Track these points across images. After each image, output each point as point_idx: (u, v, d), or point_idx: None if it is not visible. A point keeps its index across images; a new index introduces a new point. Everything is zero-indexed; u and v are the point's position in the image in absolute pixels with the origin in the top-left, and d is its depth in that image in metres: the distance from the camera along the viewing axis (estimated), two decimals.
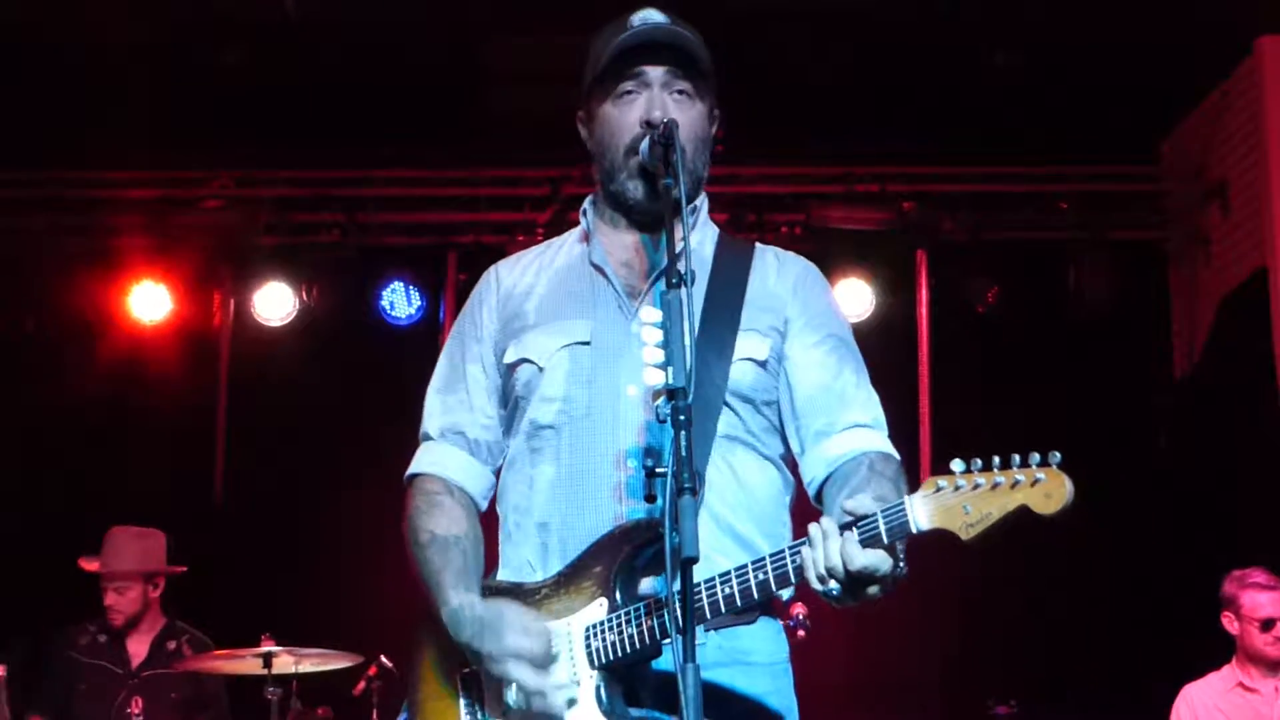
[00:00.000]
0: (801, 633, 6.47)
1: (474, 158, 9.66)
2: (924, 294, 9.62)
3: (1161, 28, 8.39)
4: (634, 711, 3.36)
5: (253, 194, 9.69)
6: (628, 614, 3.34)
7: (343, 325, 9.58)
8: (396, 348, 9.65)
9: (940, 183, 9.70)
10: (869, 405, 3.65)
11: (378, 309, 9.55)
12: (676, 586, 2.98)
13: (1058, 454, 3.07)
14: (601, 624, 3.37)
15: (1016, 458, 3.09)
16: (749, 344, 3.58)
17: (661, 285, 3.21)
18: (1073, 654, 9.35)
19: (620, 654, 3.33)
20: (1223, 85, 9.17)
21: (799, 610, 5.83)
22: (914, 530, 3.07)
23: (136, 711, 7.68)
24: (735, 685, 3.47)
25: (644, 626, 3.30)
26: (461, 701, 3.57)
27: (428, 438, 3.89)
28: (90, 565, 7.98)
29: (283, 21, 8.33)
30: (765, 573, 3.20)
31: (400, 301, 9.56)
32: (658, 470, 3.08)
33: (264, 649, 7.15)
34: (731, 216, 9.31)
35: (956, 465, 3.07)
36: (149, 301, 9.47)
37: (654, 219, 3.58)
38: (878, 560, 3.08)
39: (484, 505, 3.80)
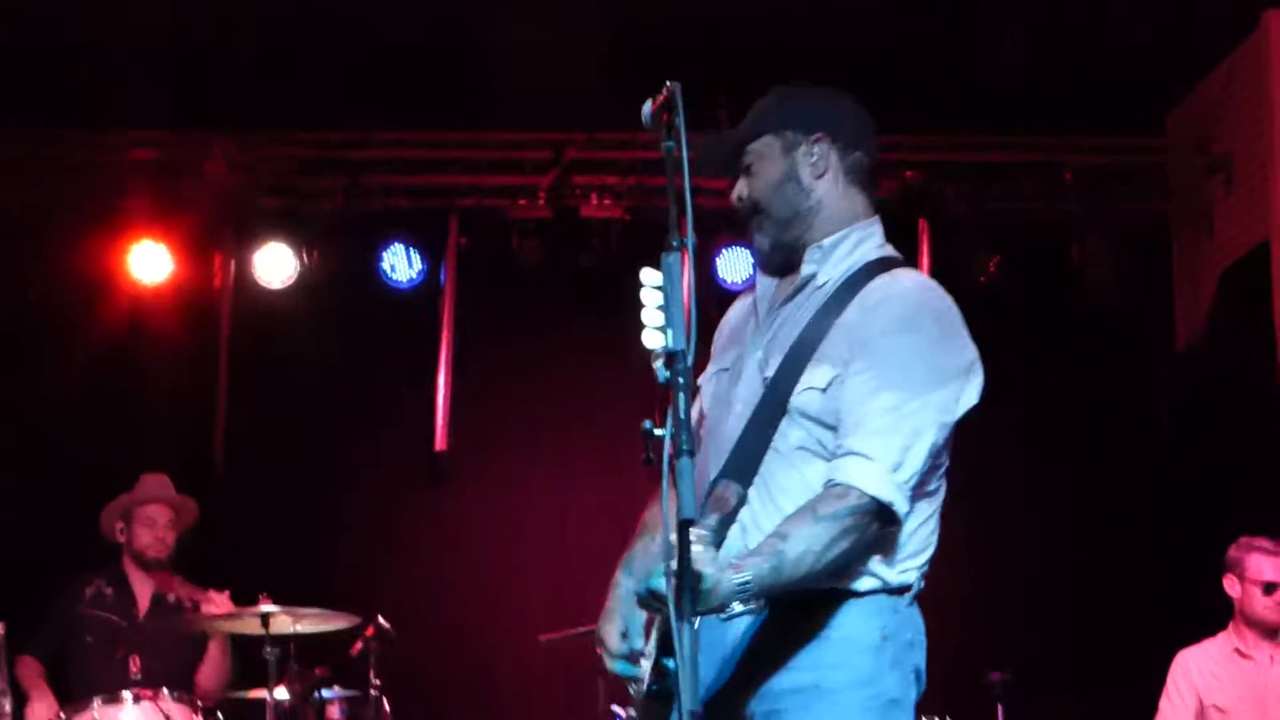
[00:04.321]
0: None
1: (477, 121, 9.64)
2: (925, 264, 9.60)
3: (1168, 1, 8.38)
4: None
5: (254, 155, 9.67)
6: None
7: (343, 288, 9.57)
8: (397, 311, 9.66)
9: (943, 152, 9.69)
10: (883, 435, 3.64)
11: (379, 272, 9.54)
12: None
13: None
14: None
15: None
16: (816, 373, 3.72)
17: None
18: (1070, 623, 9.38)
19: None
20: (1228, 59, 9.15)
21: None
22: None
23: (135, 670, 7.72)
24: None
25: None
26: None
27: None
28: (123, 501, 8.09)
29: None
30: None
31: (401, 264, 9.55)
32: (656, 432, 3.11)
33: (262, 608, 7.17)
34: (731, 184, 9.32)
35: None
36: (149, 262, 9.44)
37: (774, 268, 3.99)
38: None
39: None
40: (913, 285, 3.84)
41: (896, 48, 8.73)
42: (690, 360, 3.10)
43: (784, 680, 3.66)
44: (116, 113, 9.18)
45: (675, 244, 3.18)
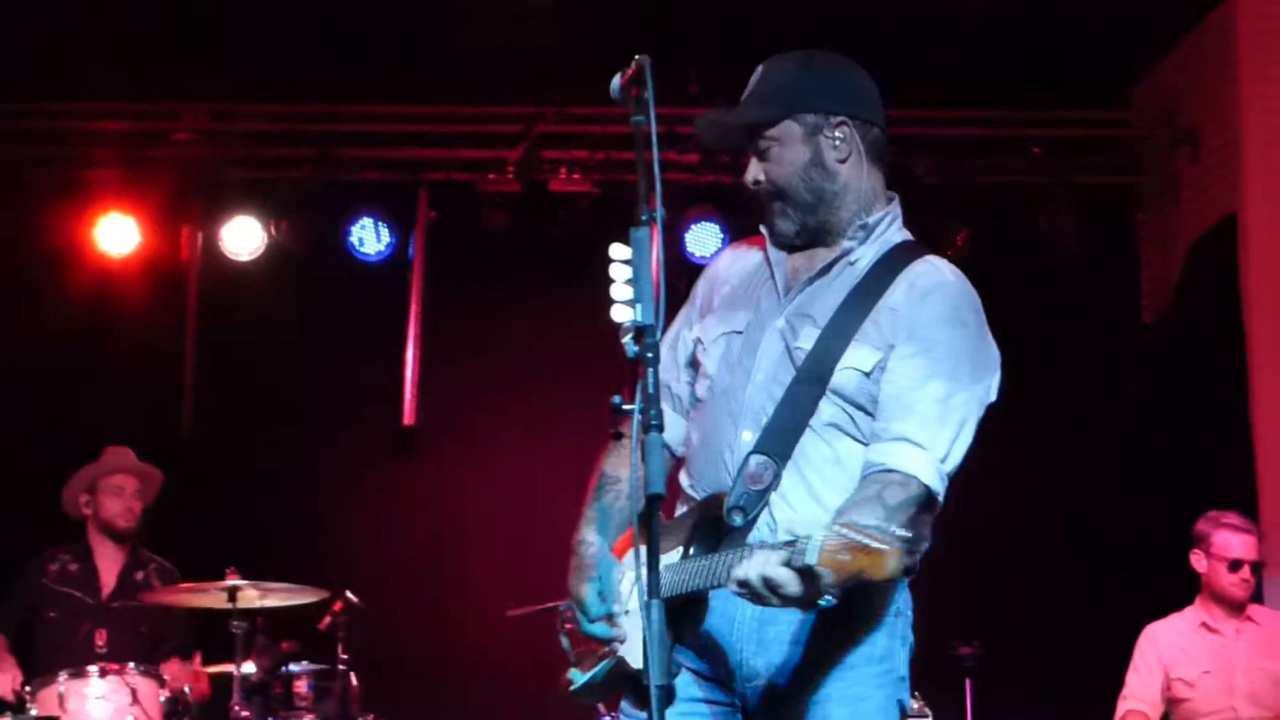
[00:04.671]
0: None
1: (446, 95, 9.61)
2: None
3: None
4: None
5: (223, 127, 9.64)
6: (694, 561, 3.60)
7: (312, 260, 9.53)
8: (365, 284, 9.64)
9: (911, 126, 9.68)
10: (934, 425, 3.66)
11: (347, 245, 9.51)
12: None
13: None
14: (672, 565, 3.63)
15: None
16: (859, 354, 3.71)
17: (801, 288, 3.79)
18: (1038, 596, 9.41)
19: (674, 591, 3.55)
20: (1195, 30, 9.17)
21: None
22: (803, 565, 3.16)
23: (100, 644, 7.70)
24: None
25: (674, 578, 3.58)
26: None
27: None
28: (87, 474, 8.04)
29: None
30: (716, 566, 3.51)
31: (369, 238, 9.52)
32: (624, 407, 3.12)
33: (229, 583, 7.15)
34: (702, 159, 9.33)
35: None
36: (117, 234, 9.40)
37: (805, 242, 3.91)
38: (783, 578, 3.20)
39: (680, 451, 4.01)
40: (956, 278, 3.85)
41: (864, 20, 8.71)
42: (659, 335, 3.10)
43: (813, 658, 3.67)
44: (85, 83, 9.13)
45: (644, 218, 3.17)
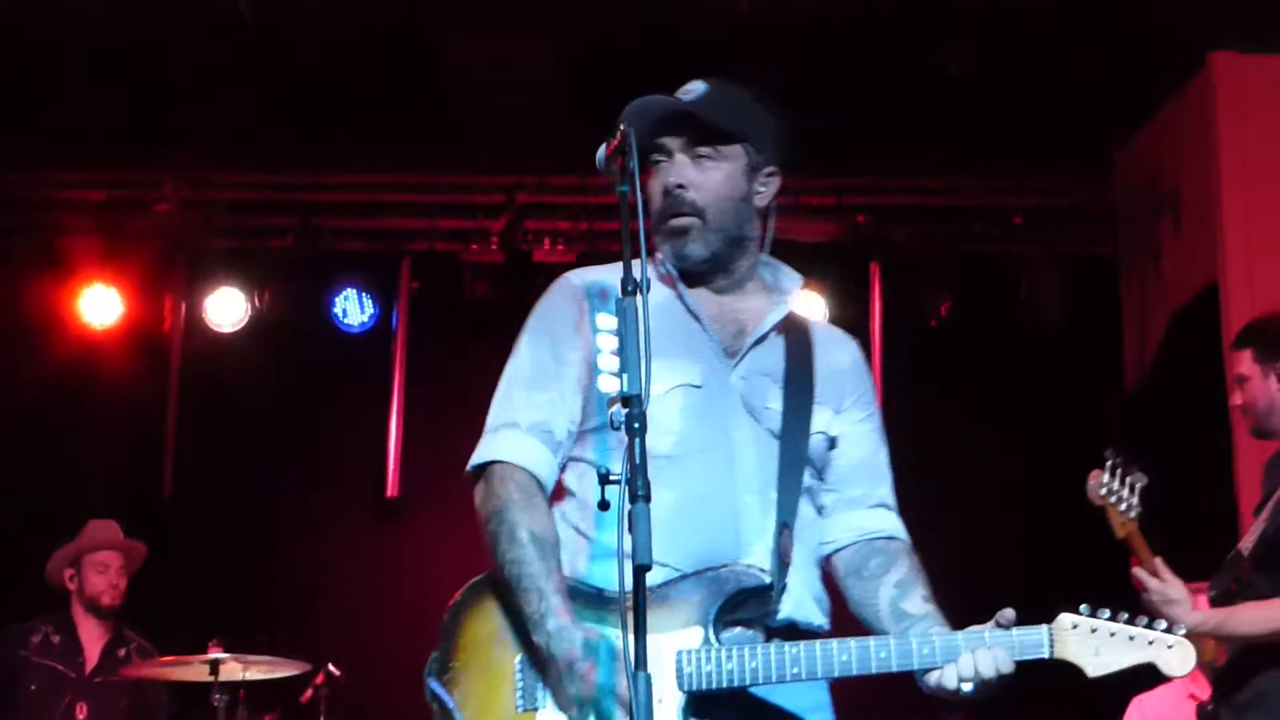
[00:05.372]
0: None
1: (429, 165, 9.64)
2: (877, 306, 9.65)
3: (1115, 42, 8.43)
4: None
5: (205, 197, 9.65)
6: (729, 651, 3.46)
7: (295, 331, 9.54)
8: (348, 355, 9.63)
9: (894, 195, 9.73)
10: (892, 489, 3.90)
11: (330, 315, 9.51)
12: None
13: (1182, 627, 3.59)
14: (696, 652, 3.46)
15: (1144, 619, 3.59)
16: (822, 418, 3.77)
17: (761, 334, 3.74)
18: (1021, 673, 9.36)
19: (714, 684, 3.44)
20: (1176, 100, 9.21)
21: None
22: (1044, 657, 3.48)
23: (82, 717, 7.65)
24: (809, 697, 3.69)
25: (746, 666, 3.45)
26: (518, 683, 3.57)
27: (514, 426, 3.83)
28: (72, 550, 8.01)
29: (237, 22, 8.29)
30: (929, 648, 3.51)
31: (353, 308, 9.53)
32: (611, 477, 3.12)
33: (211, 655, 7.11)
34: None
35: (1084, 609, 3.53)
36: (99, 305, 9.42)
37: (706, 278, 3.80)
38: (1008, 668, 3.47)
39: (552, 487, 3.86)
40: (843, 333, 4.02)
41: (846, 89, 8.75)
42: (647, 405, 3.10)
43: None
44: (66, 152, 9.14)
45: (630, 288, 3.16)
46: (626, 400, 3.09)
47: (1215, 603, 5.99)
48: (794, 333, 3.84)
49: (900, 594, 3.71)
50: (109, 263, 9.43)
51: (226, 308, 9.46)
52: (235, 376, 9.47)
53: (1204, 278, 8.95)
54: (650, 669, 3.27)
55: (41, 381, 9.35)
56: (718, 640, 3.48)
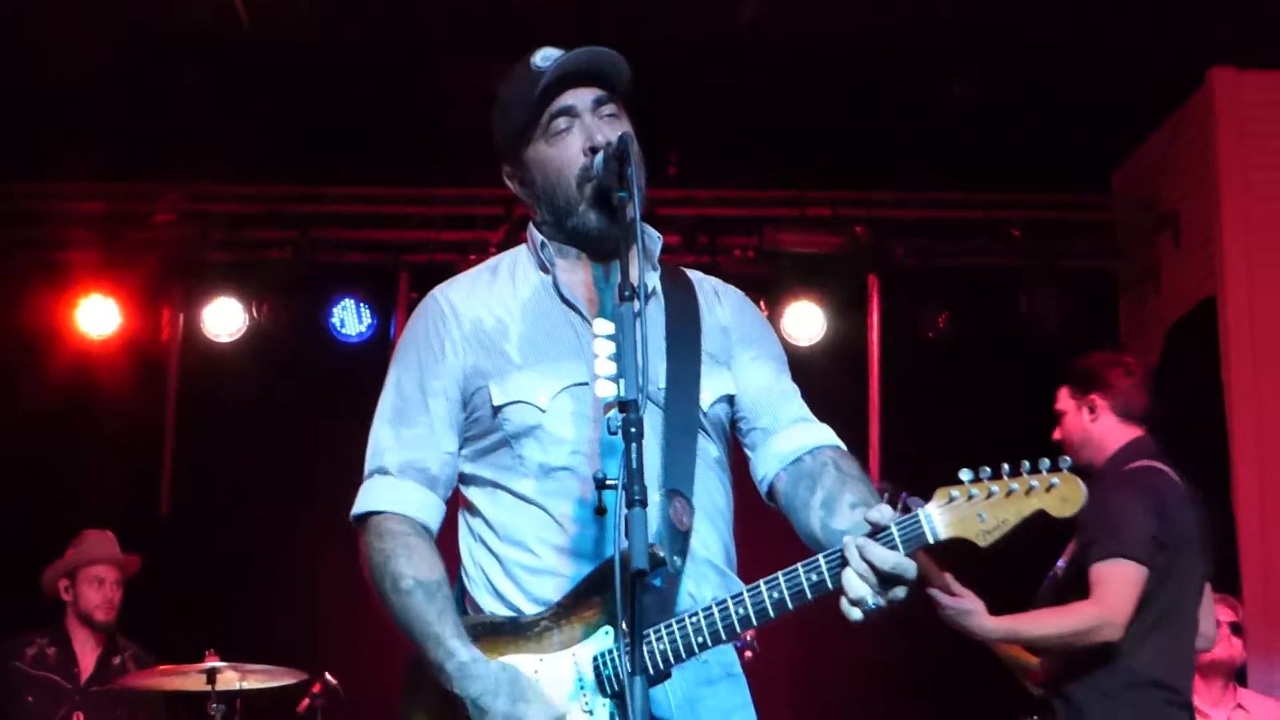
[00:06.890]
0: (749, 654, 6.49)
1: (427, 176, 9.64)
2: (875, 319, 9.65)
3: (1115, 58, 8.44)
4: None
5: (204, 209, 9.65)
6: (673, 620, 3.37)
7: (293, 342, 9.53)
8: (346, 366, 9.61)
9: (893, 208, 9.74)
10: (802, 403, 3.78)
11: (328, 326, 9.51)
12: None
13: (1067, 459, 3.31)
14: (610, 652, 3.38)
15: (1026, 463, 3.30)
16: (719, 379, 3.69)
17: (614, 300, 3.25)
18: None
19: (669, 658, 3.35)
20: (1175, 116, 9.23)
21: (748, 632, 5.83)
22: (930, 541, 3.22)
23: None
24: (732, 698, 3.62)
25: (656, 651, 3.33)
26: None
27: (384, 473, 3.77)
28: (68, 562, 8.00)
29: (237, 36, 8.31)
30: (816, 573, 3.28)
31: (351, 319, 9.52)
32: (607, 482, 3.12)
33: (208, 665, 7.11)
34: (684, 239, 9.33)
35: (964, 474, 3.27)
36: (98, 316, 9.41)
37: (611, 248, 3.57)
38: (905, 564, 3.19)
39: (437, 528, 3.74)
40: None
41: (848, 106, 8.77)
42: (644, 411, 3.09)
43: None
44: (66, 165, 9.14)
45: (627, 294, 3.17)
46: (624, 405, 3.09)
47: None
48: (672, 289, 3.77)
49: (828, 514, 3.52)
50: (107, 274, 9.42)
51: (225, 319, 9.45)
52: (233, 388, 9.47)
53: (1202, 292, 8.97)
54: (574, 684, 3.38)
55: (40, 392, 9.34)
56: (630, 633, 3.19)
